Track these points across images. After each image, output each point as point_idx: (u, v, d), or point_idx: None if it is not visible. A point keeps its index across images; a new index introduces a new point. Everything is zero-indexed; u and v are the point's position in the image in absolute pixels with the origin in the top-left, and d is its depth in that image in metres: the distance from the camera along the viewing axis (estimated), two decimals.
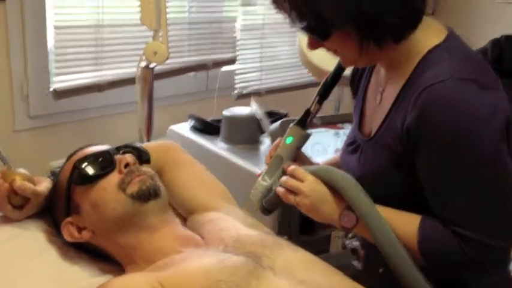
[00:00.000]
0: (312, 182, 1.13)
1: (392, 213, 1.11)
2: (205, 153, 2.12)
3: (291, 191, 1.15)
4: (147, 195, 1.15)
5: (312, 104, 1.28)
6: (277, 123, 1.90)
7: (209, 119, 2.30)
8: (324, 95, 1.27)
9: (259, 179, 1.26)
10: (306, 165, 1.30)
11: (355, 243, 1.29)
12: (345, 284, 1.07)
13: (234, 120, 2.14)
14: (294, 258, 1.09)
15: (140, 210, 1.15)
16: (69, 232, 1.17)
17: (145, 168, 1.23)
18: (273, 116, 2.29)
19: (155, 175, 1.22)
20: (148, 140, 1.87)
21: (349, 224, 1.11)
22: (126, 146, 1.26)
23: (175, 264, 1.06)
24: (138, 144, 1.30)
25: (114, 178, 1.17)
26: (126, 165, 1.18)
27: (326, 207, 1.12)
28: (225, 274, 0.99)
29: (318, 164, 1.40)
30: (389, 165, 1.13)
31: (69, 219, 1.18)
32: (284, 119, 1.96)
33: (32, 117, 2.14)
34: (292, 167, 1.17)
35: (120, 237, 1.16)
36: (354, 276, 1.28)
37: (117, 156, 1.20)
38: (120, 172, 1.18)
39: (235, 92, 2.65)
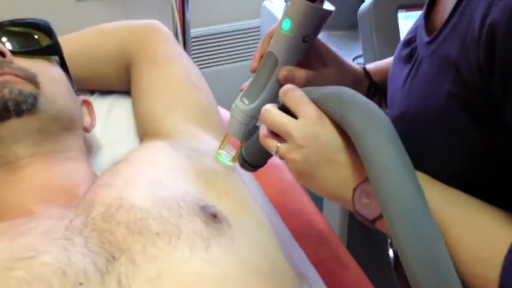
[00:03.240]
0: (312, 121, 0.58)
1: (455, 199, 0.53)
2: None
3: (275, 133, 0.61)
4: (3, 110, 0.70)
5: None
6: (368, 2, 1.23)
7: None
8: None
9: (239, 96, 0.72)
10: (322, 77, 0.73)
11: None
12: None
13: None
14: (177, 271, 0.56)
15: None
16: None
17: (23, 62, 0.75)
18: None
19: (39, 76, 0.75)
20: (182, 20, 1.36)
21: (370, 211, 0.54)
22: (12, 23, 0.80)
23: None
24: (40, 20, 0.82)
25: None
26: None
27: (331, 174, 0.57)
28: None
29: (349, 77, 0.78)
30: (449, 102, 0.54)
31: None
32: None
33: None
34: (286, 88, 0.61)
35: None
36: None
37: None
38: None
39: None
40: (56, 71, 0.80)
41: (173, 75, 0.90)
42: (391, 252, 0.83)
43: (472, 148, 0.54)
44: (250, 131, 0.70)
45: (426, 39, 0.60)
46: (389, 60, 0.85)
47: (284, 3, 1.63)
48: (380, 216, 0.53)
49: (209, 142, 0.82)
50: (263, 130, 0.62)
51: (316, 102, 0.59)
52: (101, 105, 0.98)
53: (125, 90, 0.98)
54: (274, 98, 0.68)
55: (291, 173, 0.61)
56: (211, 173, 0.75)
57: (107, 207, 0.63)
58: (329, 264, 0.90)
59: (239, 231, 0.65)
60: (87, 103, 0.88)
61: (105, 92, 1.00)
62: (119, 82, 0.97)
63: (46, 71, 0.77)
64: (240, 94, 0.71)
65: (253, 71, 0.72)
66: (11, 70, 0.72)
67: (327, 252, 0.91)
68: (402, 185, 0.48)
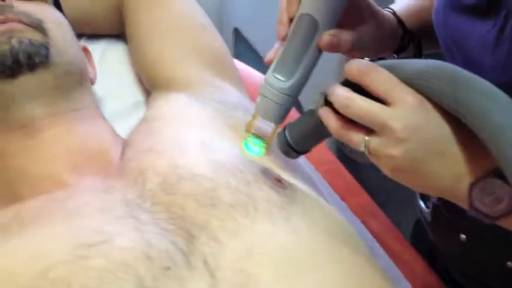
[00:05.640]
0: (414, 109, 0.48)
1: None
2: None
3: (354, 122, 0.50)
4: (13, 64, 0.58)
5: None
6: None
7: None
8: None
9: (269, 71, 0.58)
10: (364, 36, 0.62)
11: None
12: None
13: None
14: (266, 247, 0.50)
15: (3, 92, 0.59)
16: None
17: (23, 5, 0.63)
18: None
19: (45, 22, 0.63)
20: None
21: (494, 207, 0.47)
22: None
23: (22, 224, 0.52)
24: None
25: None
26: None
27: (441, 169, 0.48)
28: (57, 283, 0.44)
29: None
30: None
31: None
32: None
33: None
34: (363, 67, 0.50)
35: None
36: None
37: None
38: None
39: None
40: (58, 14, 0.68)
41: (178, 14, 0.79)
42: (422, 205, 0.79)
43: None
44: (287, 111, 0.59)
45: None
46: (415, 1, 0.77)
47: None
48: (507, 214, 0.46)
49: (233, 92, 0.74)
50: (333, 119, 0.51)
51: (409, 82, 0.49)
52: (92, 52, 0.86)
53: (116, 33, 0.87)
54: (312, 69, 0.59)
55: (383, 170, 0.50)
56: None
57: (163, 177, 0.54)
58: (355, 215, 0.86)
59: (304, 196, 0.59)
60: (86, 50, 0.77)
61: (94, 36, 0.88)
62: (110, 24, 0.86)
63: (50, 15, 0.65)
64: (270, 68, 0.58)
65: (283, 39, 0.59)
66: (15, 16, 0.60)
67: (352, 202, 0.87)
68: None
